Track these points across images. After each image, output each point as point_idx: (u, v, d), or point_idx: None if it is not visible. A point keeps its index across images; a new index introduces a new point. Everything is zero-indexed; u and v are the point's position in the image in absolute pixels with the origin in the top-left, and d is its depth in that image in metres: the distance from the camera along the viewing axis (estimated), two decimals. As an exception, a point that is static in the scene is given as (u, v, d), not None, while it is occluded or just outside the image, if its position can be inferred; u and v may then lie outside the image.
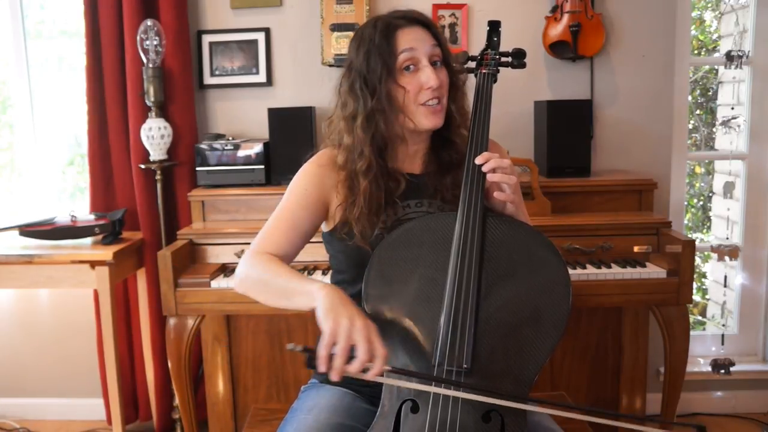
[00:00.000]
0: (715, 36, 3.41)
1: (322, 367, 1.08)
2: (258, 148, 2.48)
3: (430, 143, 1.45)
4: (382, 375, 1.11)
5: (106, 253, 2.31)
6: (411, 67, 1.35)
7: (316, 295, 1.17)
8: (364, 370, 1.09)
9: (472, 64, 1.51)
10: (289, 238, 1.39)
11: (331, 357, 1.09)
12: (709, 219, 3.42)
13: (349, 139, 1.39)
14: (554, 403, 1.21)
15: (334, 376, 1.08)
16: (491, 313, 1.22)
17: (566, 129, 2.44)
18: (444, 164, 1.43)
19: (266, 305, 1.32)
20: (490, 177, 1.29)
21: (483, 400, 1.14)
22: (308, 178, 1.43)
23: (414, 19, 1.37)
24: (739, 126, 2.74)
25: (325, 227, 1.48)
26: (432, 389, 1.16)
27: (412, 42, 1.34)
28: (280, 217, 1.41)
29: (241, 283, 1.36)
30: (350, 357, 1.09)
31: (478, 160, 1.31)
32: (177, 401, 2.40)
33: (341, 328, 1.09)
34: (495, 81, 1.45)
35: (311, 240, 2.18)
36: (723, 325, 2.85)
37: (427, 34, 1.36)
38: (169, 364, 2.24)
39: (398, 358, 1.23)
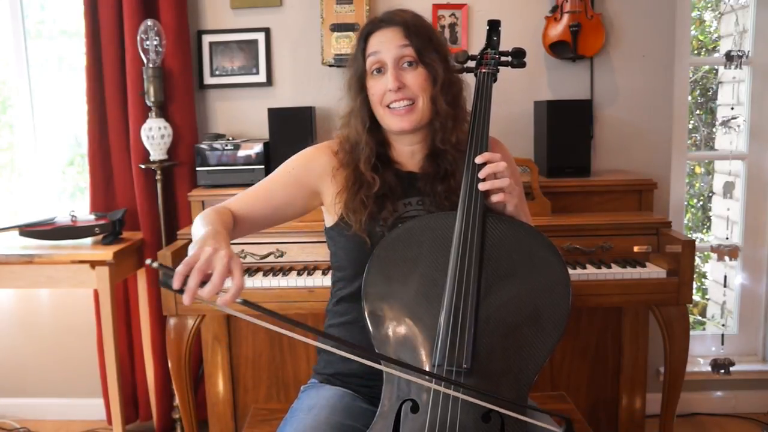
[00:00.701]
0: (715, 36, 3.41)
1: (176, 284, 1.04)
2: (258, 148, 2.48)
3: (429, 144, 1.45)
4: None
5: (106, 253, 2.31)
6: (381, 69, 1.37)
7: (198, 233, 1.19)
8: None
9: (471, 64, 1.51)
10: (256, 204, 1.44)
11: (186, 279, 1.05)
12: (709, 219, 3.42)
13: (340, 132, 1.47)
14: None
15: (186, 298, 1.04)
16: (491, 313, 1.22)
17: (566, 129, 2.44)
18: (440, 172, 1.43)
19: None
20: (481, 186, 1.29)
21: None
22: (298, 160, 1.49)
23: (391, 20, 1.38)
24: (739, 126, 2.74)
25: (327, 222, 1.50)
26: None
27: (377, 45, 1.37)
28: (258, 186, 1.47)
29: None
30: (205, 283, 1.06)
31: (478, 160, 1.31)
32: (177, 401, 2.40)
33: (204, 252, 1.07)
34: (495, 80, 1.45)
35: (311, 240, 2.21)
36: (723, 325, 2.85)
37: (397, 35, 1.36)
38: (169, 364, 2.24)
39: (398, 357, 1.23)
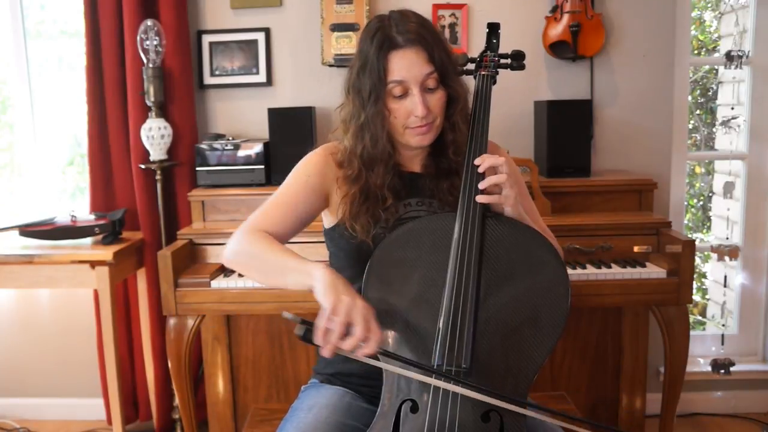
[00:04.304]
0: (715, 36, 3.41)
1: (318, 340, 1.10)
2: (258, 148, 2.48)
3: (430, 148, 1.45)
4: (375, 358, 1.14)
5: (106, 253, 2.31)
6: (403, 94, 1.33)
7: (314, 274, 1.19)
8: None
9: (471, 66, 1.51)
10: (286, 220, 1.41)
11: (327, 332, 1.10)
12: (709, 219, 3.42)
13: (346, 142, 1.41)
14: (553, 411, 1.21)
15: (327, 352, 1.10)
16: (490, 314, 1.23)
17: (566, 129, 2.44)
18: (442, 170, 1.42)
19: (258, 282, 1.34)
20: (480, 185, 1.29)
21: (477, 396, 1.14)
22: (311, 166, 1.45)
23: (410, 39, 1.31)
24: (739, 126, 2.74)
25: (326, 223, 1.49)
26: (427, 379, 1.16)
27: (402, 71, 1.31)
28: (280, 200, 1.43)
29: (232, 256, 1.36)
30: (346, 335, 1.11)
31: (477, 161, 1.31)
32: (177, 401, 2.40)
33: (342, 304, 1.11)
34: (494, 83, 1.46)
35: (311, 240, 2.21)
36: (723, 325, 2.85)
37: (421, 57, 1.31)
38: (169, 364, 2.24)
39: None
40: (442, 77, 1.34)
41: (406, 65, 1.31)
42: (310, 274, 1.19)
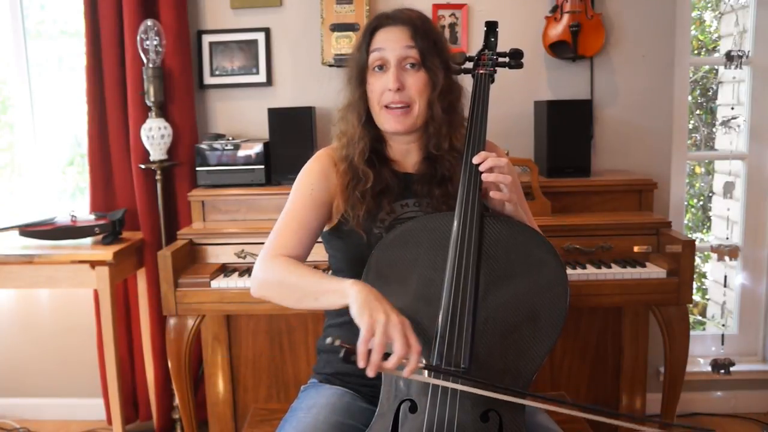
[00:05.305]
0: (715, 36, 3.41)
1: (361, 363, 1.09)
2: (258, 148, 2.48)
3: (423, 145, 1.45)
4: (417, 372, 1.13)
5: (106, 253, 2.31)
6: (383, 67, 1.37)
7: (348, 292, 1.18)
8: (400, 367, 1.11)
9: (469, 65, 1.51)
10: (300, 238, 1.40)
11: (368, 352, 1.10)
12: (709, 219, 3.42)
13: (339, 127, 1.47)
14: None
15: (371, 372, 1.10)
16: (489, 313, 1.23)
17: (566, 129, 2.44)
18: (437, 176, 1.43)
19: (291, 307, 1.33)
20: (485, 177, 1.29)
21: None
22: (313, 176, 1.45)
23: (399, 18, 1.38)
24: (739, 126, 2.74)
25: (326, 226, 1.49)
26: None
27: (383, 42, 1.37)
28: (290, 219, 1.42)
29: (260, 287, 1.35)
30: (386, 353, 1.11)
31: (475, 160, 1.31)
32: (177, 401, 2.40)
33: (378, 323, 1.10)
34: (492, 81, 1.45)
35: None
36: (723, 325, 2.84)
37: (404, 35, 1.36)
38: (169, 364, 2.24)
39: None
40: (423, 58, 1.36)
41: (390, 38, 1.37)
42: (344, 294, 1.18)
